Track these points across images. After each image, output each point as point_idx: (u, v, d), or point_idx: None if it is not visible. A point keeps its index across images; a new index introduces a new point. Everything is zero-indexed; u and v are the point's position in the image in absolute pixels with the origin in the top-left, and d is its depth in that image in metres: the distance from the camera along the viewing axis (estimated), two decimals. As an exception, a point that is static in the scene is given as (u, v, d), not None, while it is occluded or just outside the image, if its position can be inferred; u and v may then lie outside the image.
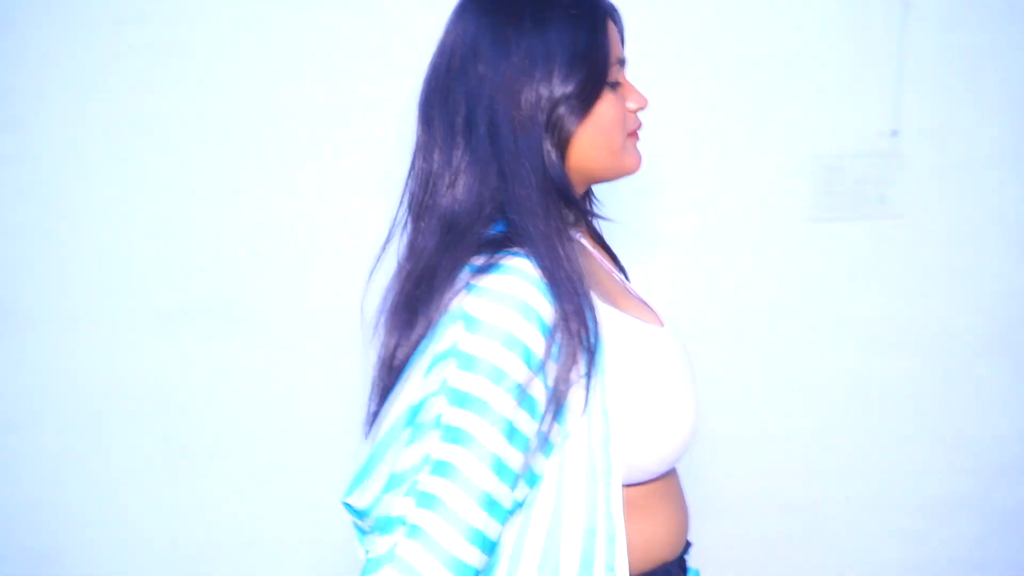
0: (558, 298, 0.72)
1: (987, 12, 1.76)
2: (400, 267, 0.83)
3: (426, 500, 0.68)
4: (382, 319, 0.82)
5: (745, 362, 1.84)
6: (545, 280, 0.72)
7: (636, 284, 0.96)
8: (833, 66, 1.77)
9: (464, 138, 0.79)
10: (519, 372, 0.70)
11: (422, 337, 0.76)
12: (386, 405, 0.80)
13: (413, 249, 0.82)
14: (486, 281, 0.72)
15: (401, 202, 0.86)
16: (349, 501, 0.78)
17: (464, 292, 0.73)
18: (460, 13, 0.84)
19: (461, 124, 0.80)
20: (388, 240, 0.86)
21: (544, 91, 0.79)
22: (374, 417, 0.82)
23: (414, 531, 0.67)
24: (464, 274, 0.74)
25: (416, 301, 0.78)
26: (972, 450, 1.94)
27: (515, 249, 0.74)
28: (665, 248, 1.80)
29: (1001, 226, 1.85)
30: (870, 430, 1.92)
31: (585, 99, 0.80)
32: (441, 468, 0.68)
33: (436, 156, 0.81)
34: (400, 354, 0.78)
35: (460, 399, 0.70)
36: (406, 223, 0.85)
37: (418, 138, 0.84)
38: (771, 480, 1.90)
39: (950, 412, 1.92)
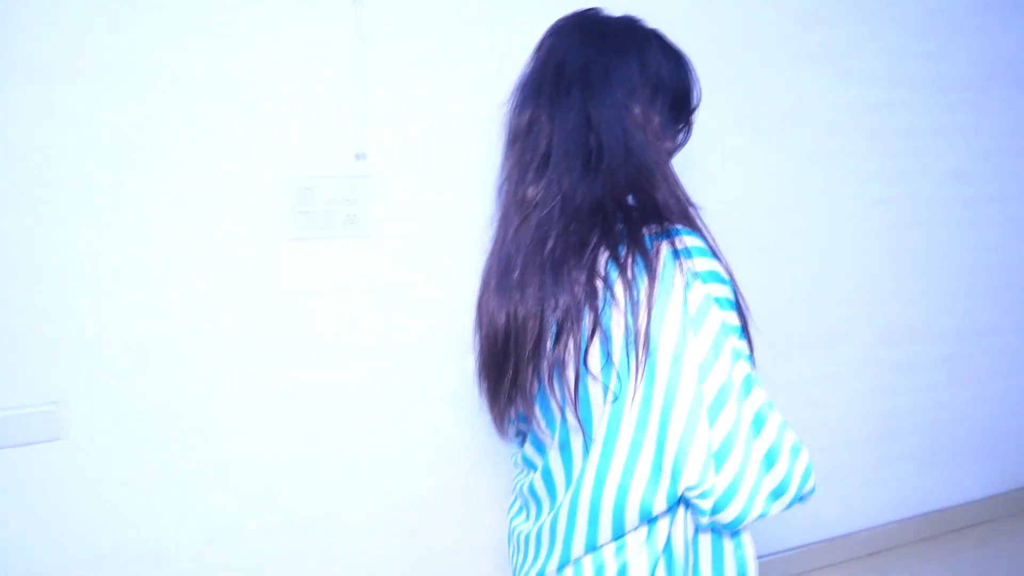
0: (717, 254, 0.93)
1: (444, 44, 1.94)
2: (517, 240, 0.94)
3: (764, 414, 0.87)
4: (515, 285, 0.92)
5: (234, 374, 1.80)
6: (707, 242, 0.92)
7: None
8: (299, 90, 1.82)
9: (611, 135, 0.91)
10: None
11: (585, 296, 0.87)
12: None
13: (542, 229, 0.91)
14: (685, 243, 0.88)
15: (505, 192, 1.01)
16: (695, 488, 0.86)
17: (676, 256, 0.86)
18: (580, 32, 1.00)
19: (607, 122, 0.91)
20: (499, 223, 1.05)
21: (670, 115, 0.99)
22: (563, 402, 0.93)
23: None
24: (660, 241, 0.87)
25: (564, 264, 0.88)
26: (450, 448, 2.06)
27: (679, 226, 0.89)
28: (166, 269, 1.70)
29: (463, 241, 2.03)
30: (359, 441, 1.95)
31: (690, 129, 1.04)
32: (748, 382, 0.87)
33: (571, 153, 0.92)
34: (555, 312, 0.88)
35: (733, 330, 0.88)
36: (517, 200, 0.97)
37: (545, 132, 0.94)
38: (286, 498, 1.86)
39: (424, 413, 2.01)
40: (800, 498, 0.90)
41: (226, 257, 1.78)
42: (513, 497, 1.16)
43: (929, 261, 2.84)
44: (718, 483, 0.85)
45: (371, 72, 1.88)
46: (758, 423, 0.86)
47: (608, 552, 0.93)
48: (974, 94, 2.84)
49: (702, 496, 0.87)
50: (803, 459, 0.88)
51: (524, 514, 1.11)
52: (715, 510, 0.87)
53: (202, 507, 1.81)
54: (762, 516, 0.88)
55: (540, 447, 1.04)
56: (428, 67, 1.95)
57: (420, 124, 1.95)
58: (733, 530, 0.93)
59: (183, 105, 1.71)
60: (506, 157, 1.01)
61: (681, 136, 1.04)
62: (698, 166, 2.34)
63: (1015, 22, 2.90)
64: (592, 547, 0.94)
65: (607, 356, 0.87)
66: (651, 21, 2.27)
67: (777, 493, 0.87)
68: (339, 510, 1.96)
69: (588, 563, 0.95)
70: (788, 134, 2.48)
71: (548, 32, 1.04)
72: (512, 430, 1.07)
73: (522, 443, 1.12)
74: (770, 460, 0.86)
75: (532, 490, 1.06)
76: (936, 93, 2.75)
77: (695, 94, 1.03)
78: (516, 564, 1.09)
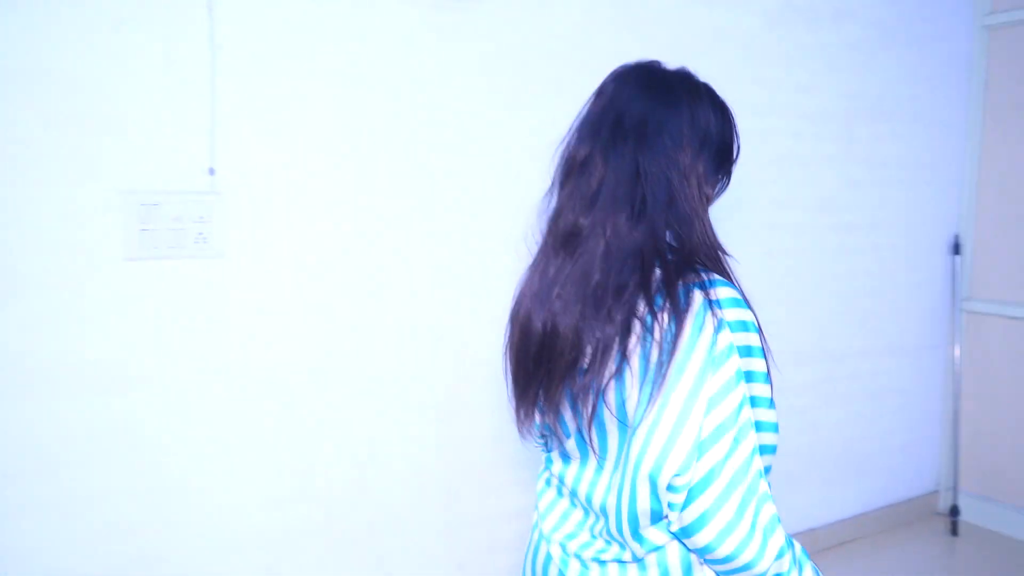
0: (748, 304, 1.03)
1: (305, 55, 1.86)
2: (563, 266, 1.03)
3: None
4: (561, 318, 1.01)
5: (60, 399, 1.64)
6: (739, 291, 1.02)
7: None
8: (145, 99, 1.70)
9: (656, 187, 1.02)
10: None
11: (618, 333, 0.97)
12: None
13: (586, 262, 1.01)
14: (719, 295, 0.98)
15: (554, 225, 1.08)
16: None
17: (708, 305, 0.96)
18: (640, 85, 1.09)
19: (654, 174, 1.02)
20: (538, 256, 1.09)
21: (712, 165, 1.08)
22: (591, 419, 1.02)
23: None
24: (693, 290, 0.97)
25: (604, 301, 0.98)
26: (310, 478, 1.96)
27: (715, 277, 1.00)
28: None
29: (326, 259, 1.95)
30: (220, 472, 1.84)
31: (730, 177, 1.14)
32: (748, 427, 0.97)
33: (619, 199, 1.02)
34: (591, 342, 0.99)
35: (748, 376, 1.00)
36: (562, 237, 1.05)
37: (598, 173, 1.03)
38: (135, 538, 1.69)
39: (288, 445, 1.92)
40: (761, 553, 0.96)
41: (50, 276, 1.63)
42: (546, 489, 1.23)
43: (802, 287, 2.92)
44: (692, 497, 0.94)
45: (225, 82, 1.78)
46: (744, 469, 0.95)
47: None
48: (843, 125, 2.94)
49: (678, 489, 0.94)
50: (768, 510, 0.96)
51: (556, 510, 1.18)
52: (685, 503, 0.94)
53: (29, 545, 1.65)
54: (715, 547, 0.94)
55: (566, 458, 1.15)
56: (287, 79, 1.86)
57: (279, 137, 1.86)
58: (693, 538, 0.96)
59: (6, 107, 1.57)
60: (559, 186, 1.10)
61: (720, 184, 1.14)
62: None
63: (880, 57, 3.02)
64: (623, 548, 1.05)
65: (630, 389, 0.98)
66: (534, 53, 2.27)
67: (732, 527, 0.94)
68: (182, 545, 1.83)
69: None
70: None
71: (611, 78, 1.13)
72: (535, 432, 1.16)
73: (546, 447, 1.21)
74: (747, 497, 0.95)
75: (572, 494, 1.16)
76: (807, 124, 2.84)
77: (736, 147, 1.13)
78: (548, 532, 1.16)
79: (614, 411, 1.00)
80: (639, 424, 0.95)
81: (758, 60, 2.66)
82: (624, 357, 0.97)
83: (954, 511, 3.31)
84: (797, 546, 1.04)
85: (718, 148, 1.09)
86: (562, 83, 2.27)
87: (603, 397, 1.00)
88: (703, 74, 2.58)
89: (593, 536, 1.10)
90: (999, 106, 3.33)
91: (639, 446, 0.95)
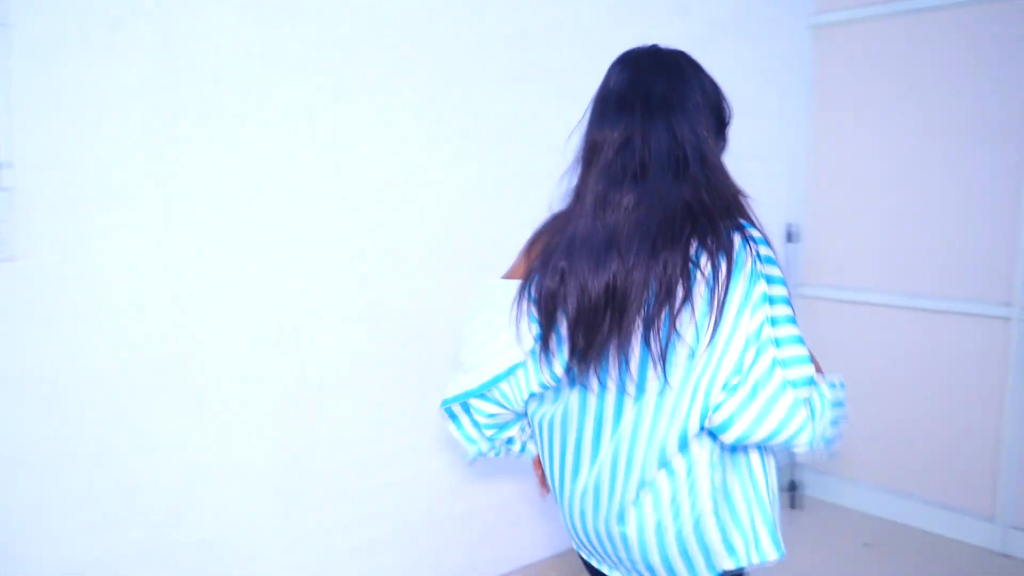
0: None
1: (112, 37, 1.71)
2: (619, 229, 1.17)
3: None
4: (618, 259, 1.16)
5: None
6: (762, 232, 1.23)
7: None
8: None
9: (692, 148, 1.19)
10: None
11: (667, 274, 1.14)
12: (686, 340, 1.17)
13: (640, 219, 1.16)
14: (751, 234, 1.18)
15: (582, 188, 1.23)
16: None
17: (746, 243, 1.17)
18: (654, 66, 1.25)
19: (688, 138, 1.20)
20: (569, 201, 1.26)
21: (716, 128, 1.28)
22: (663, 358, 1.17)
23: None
24: (733, 233, 1.17)
25: (661, 251, 1.14)
26: (130, 498, 1.82)
27: (745, 222, 1.20)
28: None
29: (132, 261, 1.81)
30: (26, 498, 1.66)
31: (727, 139, 1.35)
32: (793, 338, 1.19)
33: (665, 165, 1.18)
34: (655, 285, 1.15)
35: (770, 300, 1.18)
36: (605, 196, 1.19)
37: (640, 147, 1.19)
38: None
39: (104, 463, 1.77)
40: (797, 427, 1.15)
41: None
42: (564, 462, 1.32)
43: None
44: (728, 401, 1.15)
45: (20, 66, 1.61)
46: (766, 376, 1.14)
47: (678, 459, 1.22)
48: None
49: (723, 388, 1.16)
50: (788, 397, 1.15)
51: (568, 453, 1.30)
52: (718, 405, 1.15)
53: None
54: (745, 439, 1.15)
55: (603, 403, 1.25)
56: (95, 62, 1.70)
57: (82, 128, 1.70)
58: (724, 435, 1.16)
59: None
60: (586, 166, 1.23)
61: (722, 144, 1.32)
62: (428, 178, 2.28)
63: (716, 53, 3.12)
64: (664, 464, 1.21)
65: (692, 320, 1.14)
66: (367, 41, 2.19)
67: (755, 427, 1.14)
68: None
69: (678, 466, 1.22)
70: (508, 149, 2.48)
71: (619, 65, 1.28)
72: (582, 378, 1.24)
73: (552, 399, 1.31)
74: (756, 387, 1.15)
75: (598, 426, 1.27)
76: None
77: (728, 112, 1.32)
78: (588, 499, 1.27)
79: (685, 337, 1.16)
80: (700, 348, 1.15)
81: (596, 53, 2.68)
82: (687, 292, 1.14)
83: (793, 486, 3.49)
84: (825, 392, 1.23)
85: (717, 113, 1.28)
86: (397, 71, 2.21)
87: (675, 328, 1.15)
88: (544, 66, 2.61)
89: (628, 472, 1.22)
90: (828, 102, 3.53)
91: (703, 366, 1.15)
